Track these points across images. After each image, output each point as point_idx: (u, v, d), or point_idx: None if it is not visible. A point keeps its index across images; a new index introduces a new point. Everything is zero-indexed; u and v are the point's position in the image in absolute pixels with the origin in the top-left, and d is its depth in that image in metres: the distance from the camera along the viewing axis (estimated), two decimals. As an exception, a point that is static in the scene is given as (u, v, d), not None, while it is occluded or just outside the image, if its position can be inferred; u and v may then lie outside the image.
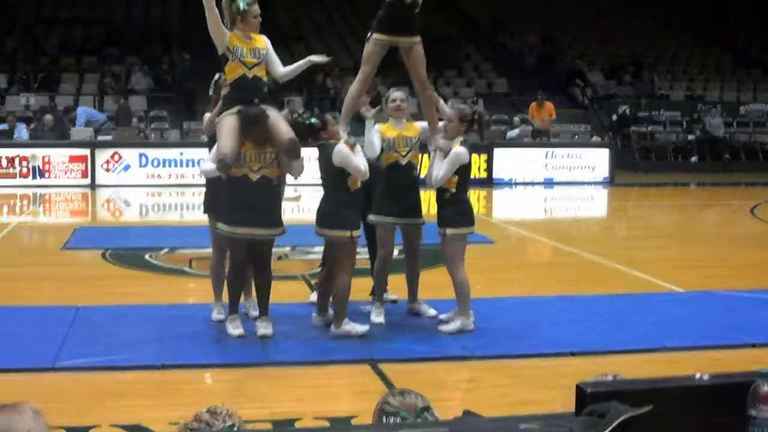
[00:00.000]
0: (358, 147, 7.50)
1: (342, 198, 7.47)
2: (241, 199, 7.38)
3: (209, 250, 8.39)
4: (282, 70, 7.86)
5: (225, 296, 7.80)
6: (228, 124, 7.39)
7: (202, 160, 9.04)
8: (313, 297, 8.57)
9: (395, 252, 8.44)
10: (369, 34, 7.83)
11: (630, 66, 32.13)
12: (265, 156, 7.43)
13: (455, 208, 7.69)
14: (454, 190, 7.66)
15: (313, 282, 8.84)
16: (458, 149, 7.58)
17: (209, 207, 8.00)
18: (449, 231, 7.65)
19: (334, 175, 7.48)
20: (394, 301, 8.60)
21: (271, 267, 7.72)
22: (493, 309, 8.56)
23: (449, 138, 7.72)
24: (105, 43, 30.32)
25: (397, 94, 8.20)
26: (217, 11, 7.49)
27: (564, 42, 34.62)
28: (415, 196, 8.10)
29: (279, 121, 7.52)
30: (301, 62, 7.98)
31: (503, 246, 13.10)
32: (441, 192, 7.70)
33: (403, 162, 8.01)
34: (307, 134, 7.53)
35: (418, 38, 7.84)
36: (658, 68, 32.94)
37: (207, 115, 8.06)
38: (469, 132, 7.80)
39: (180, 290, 9.86)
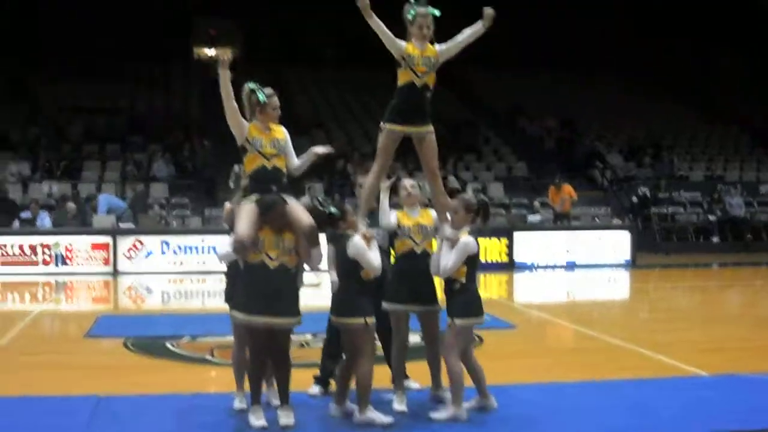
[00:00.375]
0: (374, 242, 7.53)
1: (355, 286, 7.46)
2: (258, 287, 7.35)
3: (231, 338, 8.36)
4: (294, 164, 7.89)
5: (247, 385, 7.75)
6: (245, 210, 7.44)
7: (219, 245, 9.05)
8: (313, 389, 8.58)
9: (415, 338, 8.40)
10: (382, 124, 7.92)
11: (649, 147, 32.24)
12: (283, 243, 7.43)
13: (464, 298, 7.66)
14: (464, 280, 7.64)
15: (313, 375, 8.79)
16: (466, 239, 7.58)
17: (230, 296, 8.00)
18: (458, 321, 7.60)
19: (348, 265, 7.48)
20: (416, 389, 8.54)
21: (290, 356, 7.66)
22: (513, 395, 8.48)
23: (455, 228, 7.72)
24: (127, 131, 30.66)
25: (407, 181, 8.22)
26: (235, 104, 7.56)
27: (582, 125, 34.76)
28: (430, 282, 8.04)
29: (297, 208, 7.55)
30: (306, 156, 8.03)
31: (525, 330, 13.03)
32: (450, 282, 7.67)
33: (418, 250, 8.00)
34: (326, 223, 7.57)
35: (430, 127, 7.90)
36: (677, 149, 33.05)
37: (227, 205, 8.10)
38: (475, 221, 7.80)
39: (202, 379, 9.82)
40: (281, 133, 7.77)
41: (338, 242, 7.61)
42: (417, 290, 7.93)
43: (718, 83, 41.78)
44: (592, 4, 43.27)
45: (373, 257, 7.42)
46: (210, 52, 47.09)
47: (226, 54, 7.50)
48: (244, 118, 7.69)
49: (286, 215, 7.43)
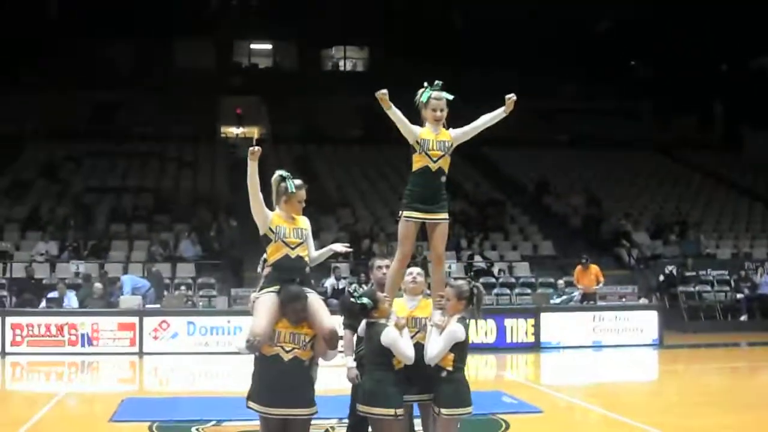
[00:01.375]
0: (406, 330, 7.50)
1: (386, 375, 7.39)
2: (273, 379, 7.35)
3: (256, 423, 8.28)
4: (312, 257, 7.92)
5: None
6: (265, 302, 7.45)
7: (238, 337, 9.03)
8: None
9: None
10: (400, 213, 7.94)
11: (675, 225, 32.13)
12: (299, 337, 7.43)
13: (451, 387, 7.50)
14: (450, 368, 7.51)
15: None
16: (453, 327, 7.46)
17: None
18: (444, 411, 7.46)
19: (379, 354, 7.43)
20: None
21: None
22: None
23: (448, 315, 7.61)
24: (154, 211, 30.88)
25: (414, 269, 8.14)
26: (261, 196, 7.61)
27: (608, 203, 34.77)
28: (425, 372, 7.94)
29: (319, 306, 7.55)
30: (324, 250, 8.08)
31: (552, 416, 12.87)
32: (437, 370, 7.53)
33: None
34: (359, 314, 7.55)
35: (445, 215, 7.90)
36: (704, 226, 32.93)
37: (253, 295, 8.09)
38: (467, 308, 7.69)
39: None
40: (304, 223, 7.83)
41: (370, 330, 7.57)
42: (413, 381, 7.77)
43: (743, 161, 41.89)
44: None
45: (405, 346, 7.39)
46: (236, 130, 47.59)
47: (256, 147, 7.52)
48: (269, 202, 7.75)
49: (307, 311, 7.43)
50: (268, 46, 53.25)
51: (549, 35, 42.34)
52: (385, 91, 7.71)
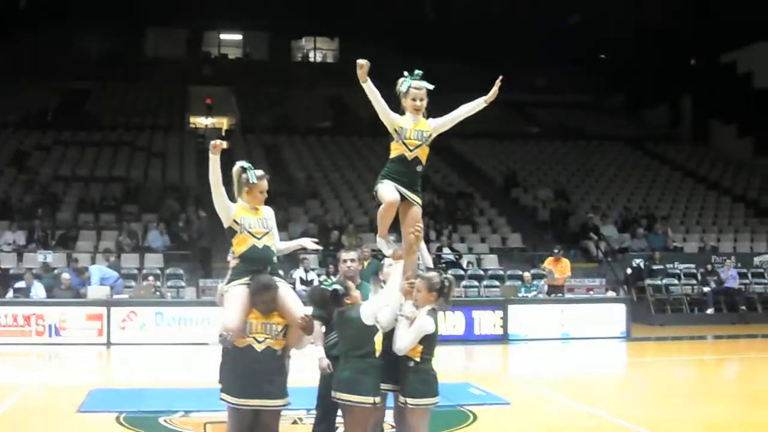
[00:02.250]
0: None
1: (363, 363, 7.37)
2: (245, 370, 7.35)
3: (224, 414, 8.25)
4: (277, 248, 7.91)
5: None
6: (235, 295, 7.45)
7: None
8: None
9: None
10: (375, 188, 7.90)
11: (643, 218, 32.29)
12: (271, 327, 7.44)
13: (418, 377, 7.51)
14: (418, 359, 7.51)
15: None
16: (423, 320, 7.49)
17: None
18: (410, 401, 7.47)
19: (356, 342, 7.41)
20: None
21: (278, 438, 7.59)
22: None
23: (419, 306, 7.63)
24: (122, 201, 30.73)
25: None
26: (223, 189, 7.59)
27: (577, 195, 34.93)
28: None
29: (289, 294, 7.56)
30: (292, 243, 8.10)
31: (519, 407, 12.93)
32: (404, 360, 7.52)
33: None
34: (331, 302, 7.53)
35: (419, 199, 7.89)
36: (671, 220, 33.11)
37: (221, 287, 8.07)
38: (437, 300, 7.70)
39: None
40: (268, 213, 7.84)
41: (344, 317, 7.55)
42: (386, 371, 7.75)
43: (712, 154, 42.18)
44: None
45: (385, 313, 7.43)
46: (206, 120, 47.43)
47: (218, 141, 7.49)
48: (231, 194, 7.74)
49: (277, 300, 7.43)
50: (238, 37, 53.13)
51: (520, 27, 42.42)
52: (366, 61, 7.69)
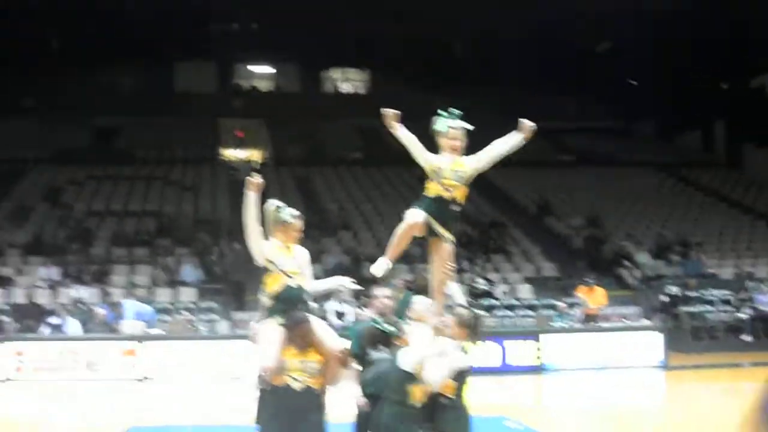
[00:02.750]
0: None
1: (403, 409, 7.32)
2: (283, 408, 7.32)
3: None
4: (311, 287, 7.86)
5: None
6: (270, 333, 7.42)
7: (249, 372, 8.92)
8: None
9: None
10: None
11: (677, 245, 32.06)
12: (309, 365, 7.41)
13: (453, 414, 7.50)
14: (451, 395, 7.50)
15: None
16: (455, 355, 7.48)
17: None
18: None
19: (398, 385, 7.34)
20: None
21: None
22: None
23: (449, 342, 7.56)
24: (156, 235, 30.86)
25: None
26: (259, 227, 7.59)
27: (610, 223, 34.75)
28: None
29: (324, 328, 7.54)
30: (330, 281, 8.04)
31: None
32: (436, 397, 7.50)
33: None
34: (381, 342, 7.50)
35: (450, 237, 7.83)
36: (706, 246, 32.86)
37: (254, 325, 8.03)
38: (468, 336, 7.64)
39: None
40: (301, 252, 7.80)
41: (391, 359, 7.51)
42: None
43: (745, 179, 41.94)
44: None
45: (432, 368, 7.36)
46: (237, 153, 47.63)
47: (256, 178, 7.50)
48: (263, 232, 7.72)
49: (313, 334, 7.40)
50: (269, 69, 53.39)
51: (550, 55, 42.42)
52: (391, 111, 7.66)
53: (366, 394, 7.95)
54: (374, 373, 7.86)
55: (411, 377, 7.31)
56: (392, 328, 7.46)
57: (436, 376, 7.43)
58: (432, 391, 7.49)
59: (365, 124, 45.27)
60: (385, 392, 7.46)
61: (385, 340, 7.48)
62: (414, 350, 7.37)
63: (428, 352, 7.38)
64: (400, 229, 7.75)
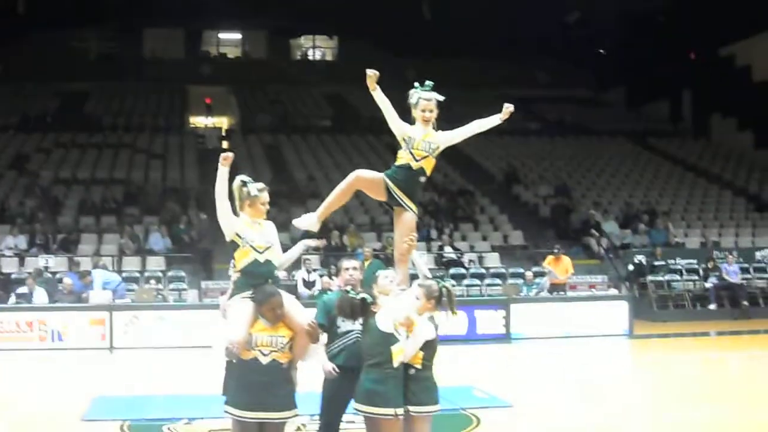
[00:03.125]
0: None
1: (383, 374, 7.35)
2: (250, 382, 7.36)
3: (227, 422, 8.22)
4: (281, 260, 7.89)
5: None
6: (239, 308, 7.45)
7: (214, 338, 8.94)
8: None
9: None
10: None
11: (644, 214, 32.25)
12: (277, 340, 7.43)
13: (419, 385, 7.53)
14: (419, 366, 7.55)
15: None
16: (423, 327, 7.51)
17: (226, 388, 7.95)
18: (413, 409, 7.48)
19: (376, 350, 7.39)
20: None
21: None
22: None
23: (419, 314, 7.61)
24: (123, 204, 30.73)
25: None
26: (228, 203, 7.59)
27: (578, 192, 34.90)
28: None
29: (294, 303, 7.56)
30: (296, 247, 8.03)
31: (523, 410, 12.92)
32: (405, 368, 7.53)
33: None
34: (358, 311, 7.52)
35: (413, 207, 7.95)
36: (673, 215, 33.07)
37: (223, 299, 8.05)
38: (436, 308, 7.68)
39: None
40: (270, 227, 7.81)
41: (365, 327, 7.57)
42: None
43: (713, 148, 42.20)
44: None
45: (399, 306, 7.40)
46: (206, 120, 47.47)
47: (229, 153, 7.50)
48: (232, 209, 7.73)
49: (282, 308, 7.42)
50: (238, 36, 53.13)
51: (519, 24, 42.43)
52: (374, 71, 7.74)
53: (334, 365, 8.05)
54: (343, 347, 7.93)
55: (391, 338, 7.35)
56: (367, 295, 7.48)
57: (405, 349, 7.45)
58: (402, 361, 7.52)
59: (334, 92, 45.21)
60: (364, 358, 7.49)
61: (358, 308, 7.50)
62: (392, 311, 7.41)
63: (408, 311, 7.43)
64: (346, 181, 7.96)
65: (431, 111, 7.92)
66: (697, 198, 35.88)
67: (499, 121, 8.02)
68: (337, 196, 8.07)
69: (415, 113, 7.98)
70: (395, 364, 7.38)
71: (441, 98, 7.96)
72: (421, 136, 7.90)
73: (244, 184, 7.74)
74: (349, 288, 7.69)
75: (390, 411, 7.33)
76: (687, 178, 38.29)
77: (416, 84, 8.04)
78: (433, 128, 7.99)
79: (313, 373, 7.93)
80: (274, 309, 7.39)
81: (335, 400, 8.36)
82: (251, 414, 7.33)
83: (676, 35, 41.85)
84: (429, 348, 7.56)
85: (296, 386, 7.66)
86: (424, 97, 7.92)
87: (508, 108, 7.93)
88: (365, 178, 7.97)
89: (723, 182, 37.75)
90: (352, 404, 7.65)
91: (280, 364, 7.44)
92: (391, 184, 7.88)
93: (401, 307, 7.45)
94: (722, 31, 39.82)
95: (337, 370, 7.84)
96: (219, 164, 7.51)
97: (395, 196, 7.86)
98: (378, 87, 7.86)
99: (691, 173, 38.87)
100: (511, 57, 43.01)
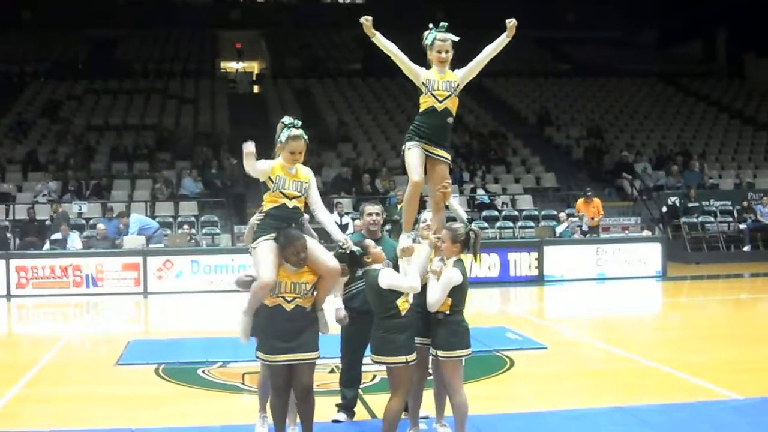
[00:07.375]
0: (414, 257, 7.48)
1: (393, 323, 7.37)
2: (276, 329, 7.39)
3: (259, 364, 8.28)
4: (317, 216, 7.80)
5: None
6: (265, 249, 7.42)
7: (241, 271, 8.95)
8: (337, 416, 8.78)
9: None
10: (402, 148, 7.91)
11: (678, 155, 32.01)
12: (301, 286, 7.43)
13: (447, 330, 7.48)
14: (447, 311, 7.49)
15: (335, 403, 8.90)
16: (449, 272, 7.45)
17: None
18: (441, 354, 7.49)
19: (381, 300, 7.41)
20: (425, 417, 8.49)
21: (313, 391, 7.60)
22: (543, 424, 8.45)
23: (445, 258, 7.57)
24: (155, 149, 30.80)
25: (427, 213, 8.16)
26: (257, 165, 7.45)
27: (610, 134, 34.64)
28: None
29: (318, 248, 7.53)
30: (336, 233, 7.72)
31: (556, 352, 12.93)
32: (434, 313, 7.52)
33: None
34: (350, 263, 7.54)
35: (447, 155, 7.86)
36: (707, 156, 32.81)
37: (250, 243, 7.91)
38: (463, 251, 7.63)
39: (233, 409, 9.83)
40: (306, 177, 7.71)
41: (366, 279, 7.58)
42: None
43: (747, 88, 41.70)
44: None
45: (407, 279, 7.38)
46: (236, 65, 47.36)
47: (251, 147, 7.27)
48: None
49: (307, 250, 7.39)
50: (267, -21, 52.81)
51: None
52: (367, 18, 7.66)
53: (348, 309, 8.24)
54: (361, 289, 8.06)
55: (392, 294, 7.35)
56: (356, 248, 7.46)
57: (433, 295, 7.44)
58: (432, 311, 7.51)
59: (364, 35, 44.89)
60: (374, 308, 7.52)
61: (353, 261, 7.51)
62: (391, 274, 7.41)
63: (393, 272, 7.44)
64: (408, 195, 7.85)
65: (447, 52, 7.81)
66: (731, 139, 35.54)
67: (507, 38, 7.88)
68: (408, 206, 7.90)
69: (431, 55, 7.85)
70: (403, 313, 7.38)
71: (456, 39, 7.85)
72: (440, 77, 7.80)
73: (285, 126, 7.64)
74: (342, 243, 7.63)
75: (401, 359, 7.36)
76: (721, 119, 37.91)
77: (431, 25, 7.94)
78: (450, 68, 7.90)
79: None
80: (299, 252, 7.36)
81: (353, 342, 8.59)
82: (281, 357, 7.38)
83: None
84: (457, 293, 7.51)
85: (326, 329, 7.66)
86: (439, 38, 7.80)
87: (511, 22, 7.81)
88: (418, 176, 7.71)
89: (758, 123, 37.33)
90: (368, 354, 7.70)
91: (304, 309, 7.45)
92: (427, 146, 7.80)
93: (407, 282, 7.41)
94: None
95: (348, 319, 8.03)
96: (244, 160, 7.38)
97: (428, 152, 7.77)
98: (377, 32, 7.76)
99: (725, 114, 38.46)
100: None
